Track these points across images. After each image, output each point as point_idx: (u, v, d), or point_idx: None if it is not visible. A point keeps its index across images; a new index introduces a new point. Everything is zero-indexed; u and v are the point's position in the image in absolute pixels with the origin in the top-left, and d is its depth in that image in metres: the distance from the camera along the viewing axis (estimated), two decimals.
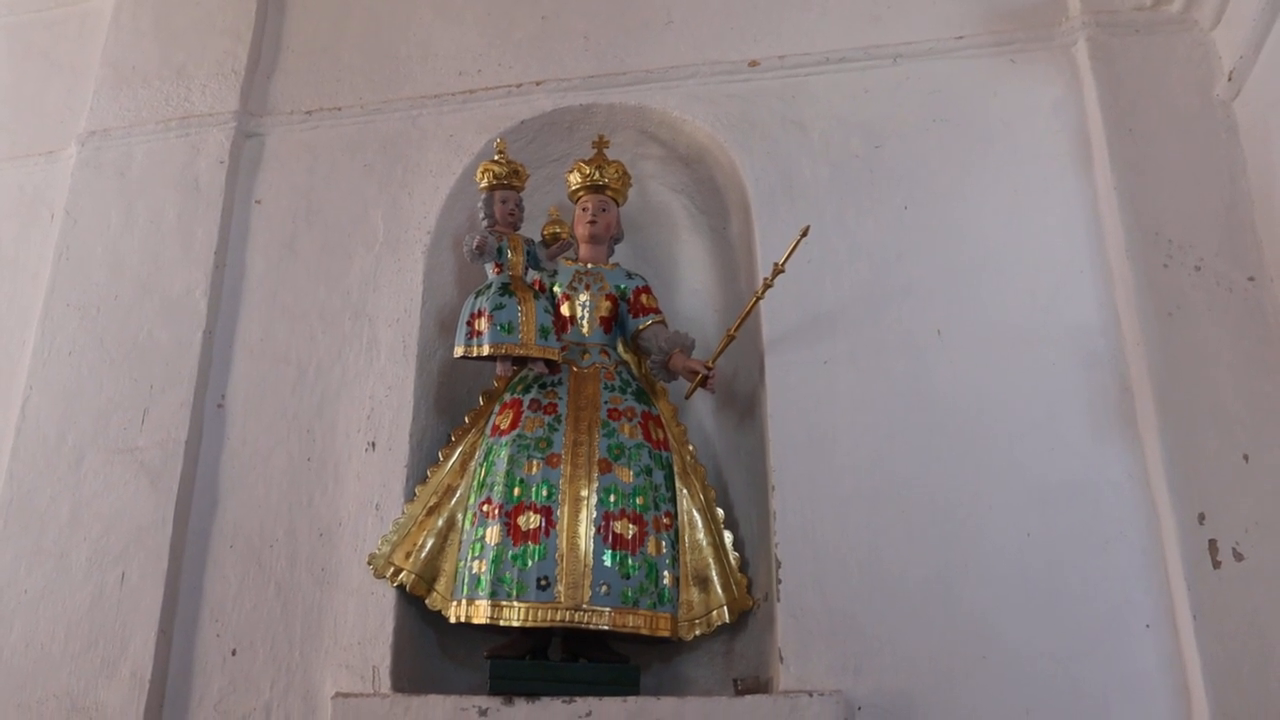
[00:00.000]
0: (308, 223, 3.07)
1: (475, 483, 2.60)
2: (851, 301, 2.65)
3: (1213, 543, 2.21)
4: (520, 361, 2.70)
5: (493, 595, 2.41)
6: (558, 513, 2.46)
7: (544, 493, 2.48)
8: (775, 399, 2.59)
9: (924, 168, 2.75)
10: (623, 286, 2.83)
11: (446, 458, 2.72)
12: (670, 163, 3.12)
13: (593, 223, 2.83)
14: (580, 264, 2.87)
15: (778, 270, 2.57)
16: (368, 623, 2.56)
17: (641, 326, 2.78)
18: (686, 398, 2.74)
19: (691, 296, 3.06)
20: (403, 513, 2.65)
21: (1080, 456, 2.40)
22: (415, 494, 2.67)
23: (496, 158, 2.83)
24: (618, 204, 2.92)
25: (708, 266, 3.09)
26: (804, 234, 2.54)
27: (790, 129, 2.86)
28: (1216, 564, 2.20)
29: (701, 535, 2.64)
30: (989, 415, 2.49)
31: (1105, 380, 2.46)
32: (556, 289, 2.82)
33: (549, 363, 2.68)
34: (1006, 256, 2.62)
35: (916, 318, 2.61)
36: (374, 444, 2.74)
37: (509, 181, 2.81)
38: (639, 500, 2.51)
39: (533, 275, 2.87)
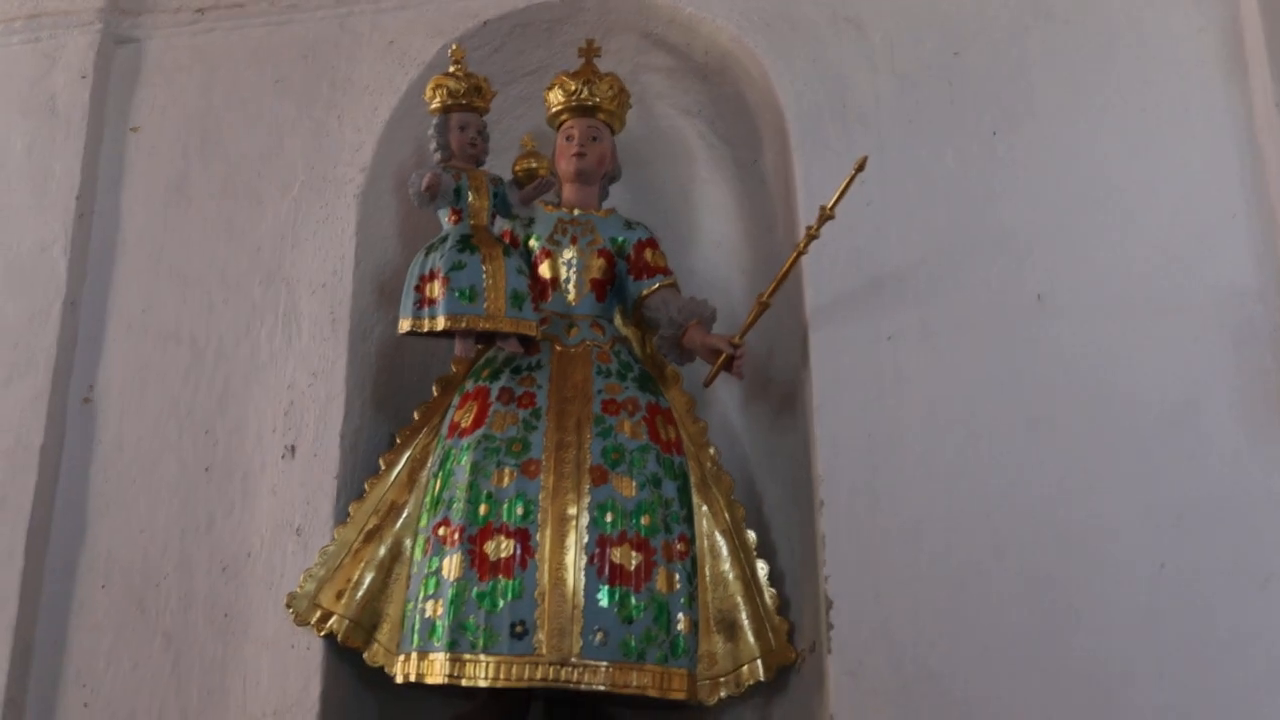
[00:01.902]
0: (202, 158, 3.02)
1: (428, 499, 2.60)
2: (924, 258, 2.64)
3: None
4: (487, 339, 2.70)
5: (452, 647, 2.38)
6: (537, 537, 2.45)
7: (519, 511, 2.48)
8: (823, 387, 2.59)
9: (1021, 80, 2.74)
10: (620, 239, 2.83)
11: (390, 466, 2.72)
12: (683, 76, 3.10)
13: (580, 155, 2.84)
14: (564, 210, 2.87)
15: (825, 217, 2.56)
16: (287, 685, 2.53)
17: (646, 292, 2.79)
18: (706, 385, 2.74)
19: (712, 252, 3.05)
20: (332, 539, 2.65)
21: (1230, 463, 2.38)
22: (349, 514, 2.68)
23: (452, 70, 2.83)
24: (613, 131, 2.92)
25: (732, 212, 3.08)
26: (859, 168, 2.52)
27: (843, 30, 2.85)
28: None
29: (727, 566, 2.63)
30: (1109, 408, 2.47)
31: (1264, 361, 2.43)
32: (534, 243, 2.83)
33: (524, 340, 2.68)
34: (1132, 198, 2.61)
35: (1011, 279, 2.60)
36: (293, 448, 2.73)
37: (469, 101, 2.80)
38: (644, 520, 2.50)
39: (502, 224, 2.87)
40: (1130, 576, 2.34)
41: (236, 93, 3.07)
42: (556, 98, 2.88)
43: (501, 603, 2.38)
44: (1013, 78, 2.73)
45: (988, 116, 2.72)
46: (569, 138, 2.86)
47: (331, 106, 3.01)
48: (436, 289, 2.62)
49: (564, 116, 2.88)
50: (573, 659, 2.35)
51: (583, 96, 2.84)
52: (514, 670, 2.34)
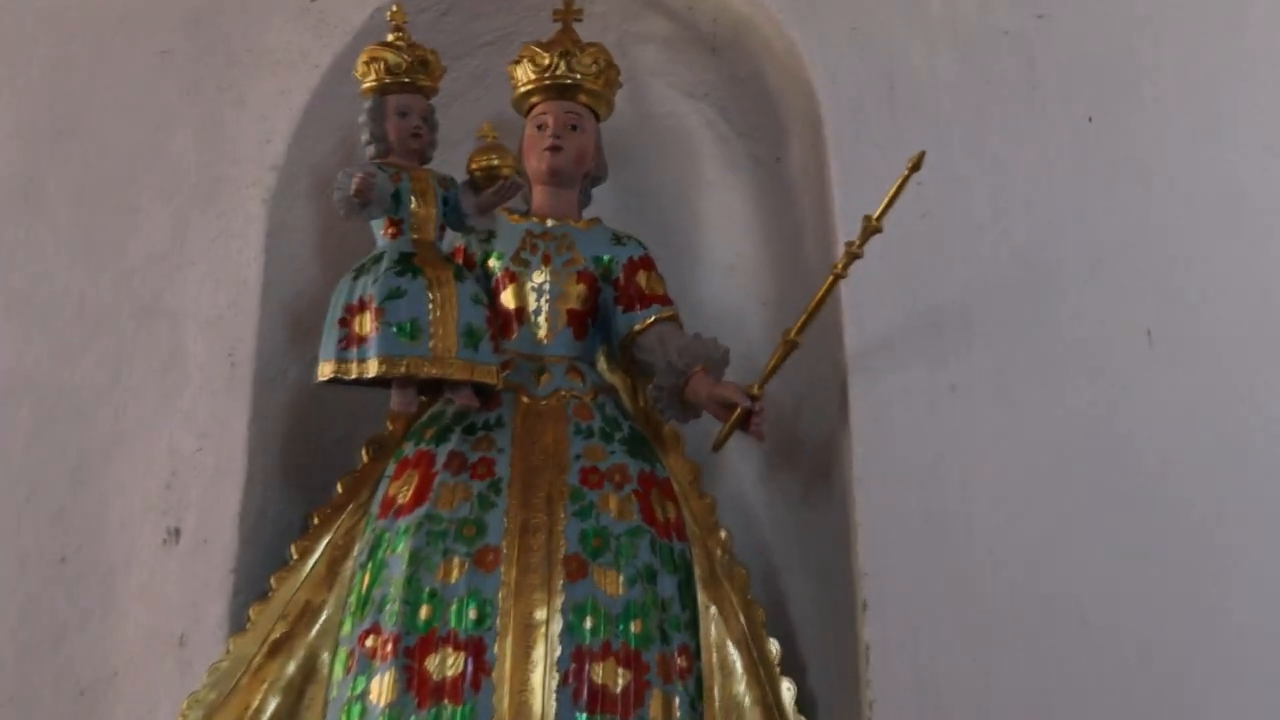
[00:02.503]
0: (55, 154, 3.00)
1: (353, 598, 2.58)
2: (997, 285, 2.66)
3: None
4: (432, 388, 2.70)
5: None
6: (494, 650, 2.43)
7: (471, 615, 2.45)
8: (867, 452, 2.59)
9: (1124, 52, 2.78)
10: (606, 259, 2.84)
11: (303, 556, 2.70)
12: (686, 48, 3.10)
13: (555, 148, 2.85)
14: (535, 220, 2.88)
15: (870, 230, 2.56)
16: None
17: (639, 327, 2.79)
18: (716, 449, 2.73)
19: (723, 276, 3.06)
20: (226, 652, 2.61)
21: None
22: (249, 619, 2.65)
23: (391, 38, 2.82)
24: (597, 118, 2.93)
25: (749, 225, 3.08)
26: (914, 167, 2.53)
27: None
28: None
29: (742, 688, 2.60)
30: (1241, 480, 2.48)
31: None
32: (494, 263, 2.84)
33: (480, 390, 2.67)
34: (1268, 207, 2.64)
35: (1113, 312, 2.62)
36: (176, 533, 2.71)
37: (411, 80, 2.80)
38: (634, 627, 2.48)
39: (453, 239, 2.86)
40: (1265, 678, 2.38)
41: (106, 67, 3.05)
42: (525, 74, 2.88)
43: None
44: (1114, 48, 2.76)
45: (1081, 99, 2.74)
46: (541, 126, 2.86)
47: (230, 86, 3.00)
48: (367, 323, 2.59)
49: (535, 99, 2.89)
50: None
51: (559, 73, 2.85)
52: None
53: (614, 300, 2.82)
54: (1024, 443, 2.56)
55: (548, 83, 2.87)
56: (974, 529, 2.51)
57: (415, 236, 2.72)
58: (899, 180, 2.53)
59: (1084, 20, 2.81)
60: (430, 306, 2.61)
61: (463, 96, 3.07)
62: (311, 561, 2.67)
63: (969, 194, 2.72)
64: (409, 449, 2.67)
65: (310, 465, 2.88)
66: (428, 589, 2.46)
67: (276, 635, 2.59)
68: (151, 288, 2.89)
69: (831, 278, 2.59)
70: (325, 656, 2.58)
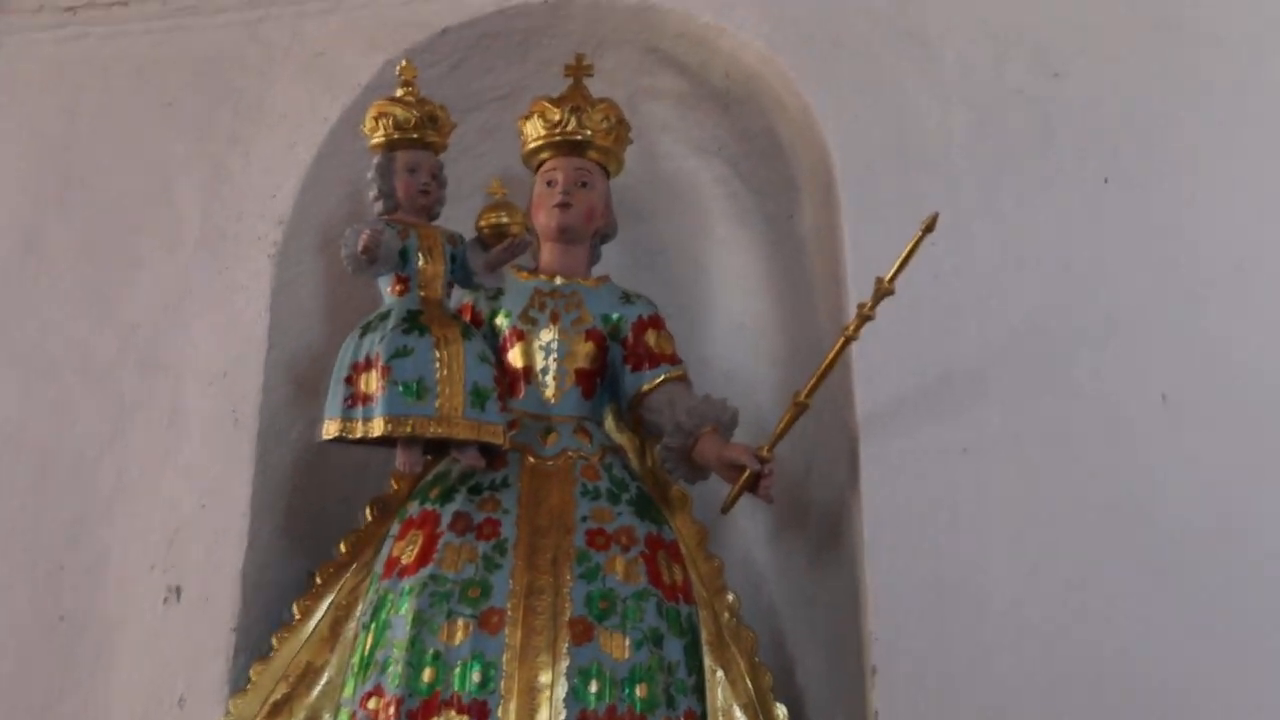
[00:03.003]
0: (62, 205, 3.16)
1: (356, 659, 2.65)
2: (1011, 346, 2.77)
3: None
4: (438, 448, 2.80)
5: None
6: (498, 713, 2.50)
7: (475, 678, 2.53)
8: (878, 515, 2.69)
9: (1142, 111, 2.87)
10: (615, 317, 2.99)
11: (306, 616, 2.79)
12: (697, 105, 3.24)
13: (564, 205, 2.97)
14: (543, 277, 3.01)
15: (882, 292, 2.67)
16: None
17: (647, 387, 2.93)
18: (725, 511, 2.85)
19: (732, 335, 3.20)
20: (226, 713, 2.70)
21: None
22: (250, 680, 2.72)
23: (400, 94, 2.93)
24: (607, 174, 3.07)
25: (760, 284, 3.23)
26: (927, 228, 2.63)
27: (904, 47, 3.00)
28: None
29: None
30: (1263, 544, 2.57)
31: None
32: (502, 321, 2.96)
33: (486, 450, 2.77)
34: None
35: (1127, 374, 2.71)
36: (178, 591, 2.82)
37: (420, 135, 2.91)
38: (640, 691, 2.56)
39: (461, 297, 2.99)
40: None
41: (109, 117, 3.21)
42: (535, 130, 3.01)
43: None
44: (1131, 108, 2.86)
45: (1097, 160, 2.84)
46: (550, 183, 2.98)
47: (236, 140, 3.15)
48: (374, 382, 2.66)
49: (544, 155, 3.01)
50: None
51: (569, 129, 2.98)
52: None
53: (622, 359, 2.94)
54: (1039, 507, 2.64)
55: (558, 138, 2.98)
56: (988, 595, 2.59)
57: (422, 294, 2.80)
58: (912, 241, 2.62)
59: (1100, 80, 2.89)
60: (437, 365, 2.68)
61: (471, 151, 3.20)
62: (314, 621, 2.77)
63: (983, 255, 2.81)
64: (413, 509, 2.77)
65: (313, 524, 2.96)
66: (431, 651, 2.53)
67: (277, 696, 2.69)
68: (154, 342, 3.02)
69: (842, 339, 2.68)
70: (327, 718, 2.67)
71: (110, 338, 3.04)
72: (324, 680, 2.73)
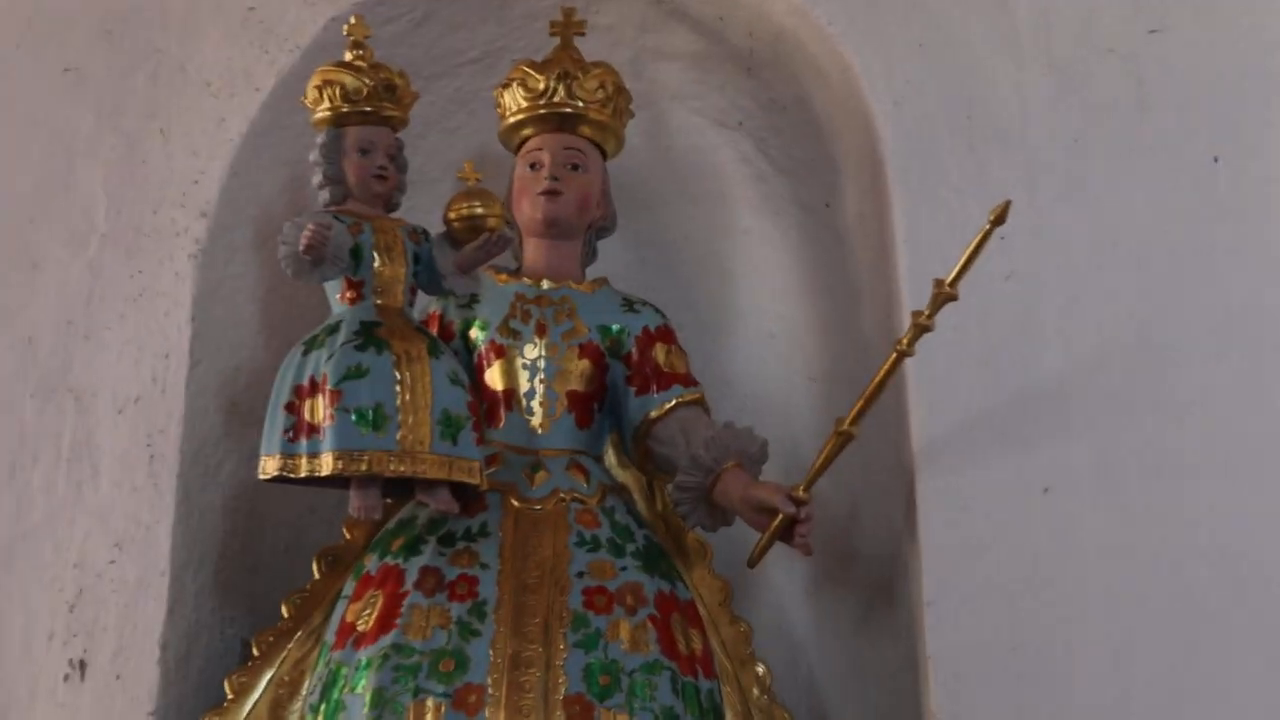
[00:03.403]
0: None
1: None
2: (1101, 362, 2.70)
3: None
4: (400, 489, 2.73)
5: None
6: None
7: None
8: (939, 567, 2.63)
9: (1256, 78, 2.81)
10: (616, 328, 2.92)
11: (241, 695, 2.73)
12: (716, 68, 3.19)
13: (553, 192, 2.91)
14: (527, 280, 2.95)
15: (943, 297, 2.60)
16: None
17: (656, 412, 2.86)
18: (753, 565, 2.77)
19: (760, 348, 3.15)
20: None
21: None
22: None
23: (350, 57, 2.87)
24: (604, 154, 3.01)
25: (793, 286, 3.17)
26: (997, 219, 2.56)
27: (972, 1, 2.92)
28: None
29: None
30: None
31: None
32: (477, 333, 2.91)
33: (459, 491, 2.71)
34: None
35: (1241, 396, 2.65)
36: (82, 666, 2.74)
37: (375, 108, 2.85)
38: None
39: (428, 305, 2.93)
40: None
41: None
42: (515, 101, 2.95)
43: None
44: (1244, 72, 2.80)
45: (1204, 134, 2.78)
46: (535, 165, 2.92)
47: (152, 113, 3.07)
48: (320, 409, 2.61)
49: (527, 131, 2.95)
50: None
51: (557, 99, 2.91)
52: None
53: (625, 380, 2.87)
54: (1135, 557, 2.58)
55: (543, 111, 2.93)
56: (1072, 664, 2.53)
57: (380, 302, 2.75)
58: (979, 235, 2.55)
59: (1208, 37, 2.84)
60: (398, 388, 2.62)
61: (439, 126, 3.14)
62: (251, 702, 2.69)
63: (1066, 251, 2.75)
64: (372, 563, 2.70)
65: (249, 582, 2.91)
66: None
67: None
68: (55, 360, 2.95)
69: (895, 355, 2.61)
70: None
71: (2, 355, 2.99)
72: None
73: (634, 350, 2.89)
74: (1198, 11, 2.88)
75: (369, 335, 2.68)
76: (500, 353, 2.86)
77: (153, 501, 2.82)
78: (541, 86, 2.92)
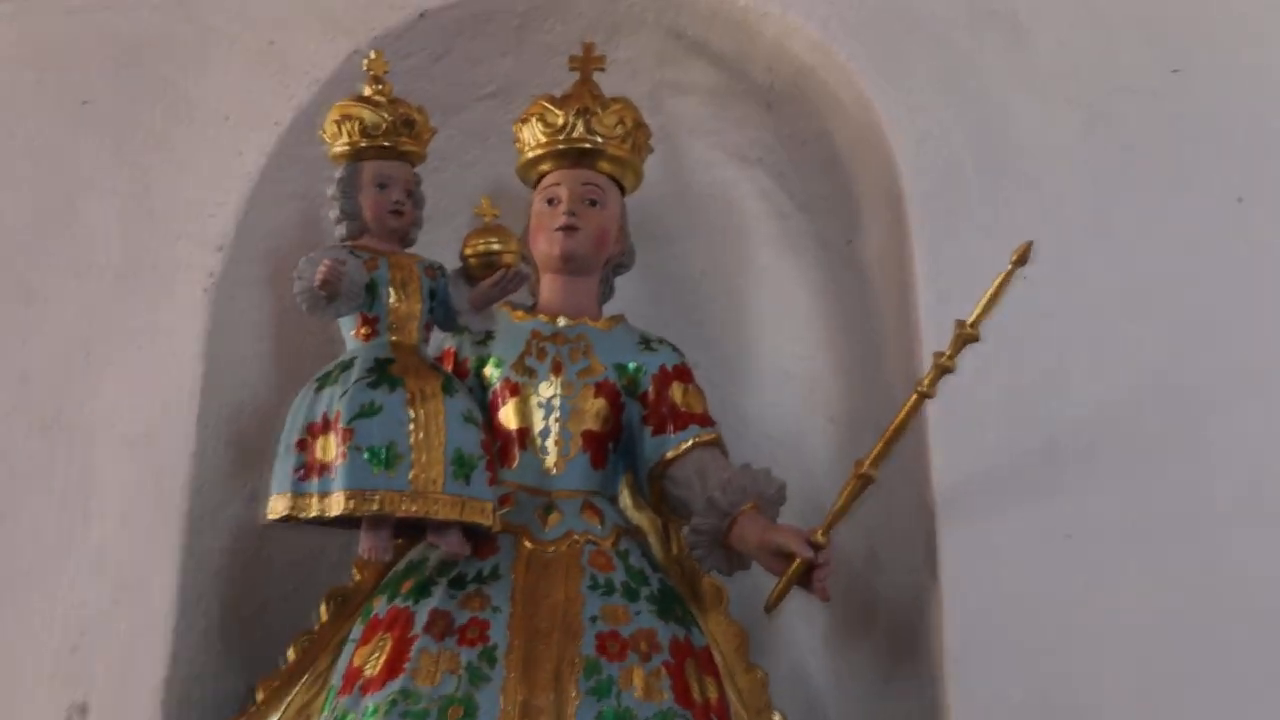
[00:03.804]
0: None
1: None
2: (1128, 406, 2.68)
3: None
4: (411, 530, 2.73)
5: None
6: None
7: None
8: (962, 616, 2.61)
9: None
10: (633, 367, 2.90)
11: None
12: (735, 103, 3.18)
13: (570, 228, 2.91)
14: (543, 317, 2.94)
15: (964, 338, 2.59)
16: None
17: (672, 453, 2.84)
18: (769, 610, 2.75)
19: (778, 387, 3.14)
20: None
21: None
22: None
23: (369, 92, 2.89)
24: (623, 190, 3.01)
25: (813, 325, 3.16)
26: (1019, 260, 2.55)
27: (989, 33, 2.94)
28: None
29: None
30: None
31: None
32: (492, 371, 2.90)
33: (471, 532, 2.70)
34: None
35: (1274, 440, 2.62)
36: (83, 709, 2.71)
37: (393, 143, 2.86)
38: None
39: (442, 342, 2.94)
40: None
41: (6, 118, 3.13)
42: (533, 136, 2.94)
43: None
44: (1270, 110, 2.79)
45: (1229, 172, 2.77)
46: (552, 201, 2.92)
47: (166, 145, 3.07)
48: (332, 448, 2.60)
49: (545, 166, 2.95)
50: None
51: (575, 135, 2.90)
52: None
53: (641, 419, 2.86)
54: (1164, 608, 2.55)
55: (561, 147, 2.93)
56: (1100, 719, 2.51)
57: (394, 338, 2.75)
58: (1001, 276, 2.54)
59: (1231, 77, 2.84)
60: (411, 427, 2.61)
61: (456, 161, 3.12)
62: None
63: (1090, 292, 2.74)
64: (380, 606, 2.67)
65: (255, 626, 2.90)
66: None
67: None
68: (58, 396, 2.94)
69: (916, 396, 2.60)
70: None
71: (3, 389, 2.97)
72: None
73: (650, 389, 2.87)
74: (1217, 51, 2.90)
75: (382, 372, 2.67)
76: (515, 391, 2.85)
77: (157, 543, 2.81)
78: (560, 122, 2.92)
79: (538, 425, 2.83)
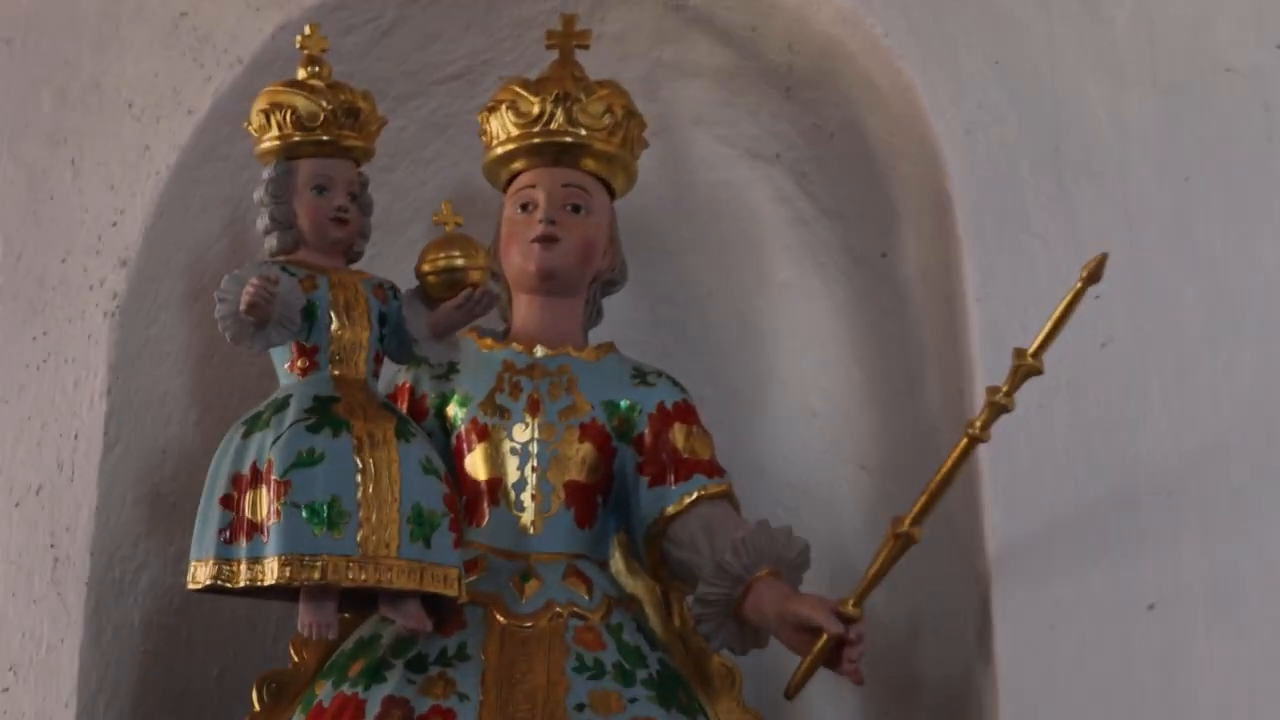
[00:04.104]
0: None
1: None
2: (1219, 451, 2.72)
3: None
4: (360, 601, 2.77)
5: None
6: None
7: None
8: (1019, 700, 2.67)
9: None
10: (625, 405, 2.98)
11: None
12: (748, 87, 3.26)
13: (548, 239, 2.96)
14: (517, 347, 3.01)
15: (1025, 370, 2.63)
16: None
17: (674, 508, 2.90)
18: (791, 695, 2.79)
19: (801, 429, 3.21)
20: None
21: None
22: None
23: (303, 74, 2.93)
24: (612, 193, 3.07)
25: (842, 351, 3.22)
26: (1091, 277, 2.57)
27: (1057, 4, 2.97)
28: None
29: None
30: None
31: None
32: (456, 410, 2.97)
33: (433, 605, 2.74)
34: None
35: None
36: None
37: (333, 136, 2.91)
38: None
39: (396, 376, 3.00)
40: None
41: None
42: (504, 127, 3.01)
43: None
44: None
45: None
46: (527, 206, 2.98)
47: (61, 138, 3.14)
48: (264, 504, 2.63)
49: (518, 164, 3.02)
50: None
51: (554, 126, 2.97)
52: None
53: (636, 468, 2.92)
54: (1257, 687, 2.59)
55: (538, 141, 2.98)
56: None
57: (337, 372, 2.79)
58: (1068, 295, 2.56)
59: None
60: (359, 479, 2.65)
61: (410, 157, 3.18)
62: None
63: (1176, 313, 2.78)
64: (325, 693, 2.72)
65: (175, 714, 2.92)
66: None
67: None
68: None
69: (966, 440, 2.63)
70: None
71: None
72: None
73: (647, 431, 2.93)
74: None
75: (324, 413, 2.70)
76: (484, 434, 2.90)
77: (56, 615, 2.85)
78: (536, 110, 2.97)
79: (512, 476, 2.88)
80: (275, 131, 2.88)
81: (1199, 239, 2.83)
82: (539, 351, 2.97)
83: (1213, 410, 2.74)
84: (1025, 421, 2.68)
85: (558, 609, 2.79)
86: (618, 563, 3.01)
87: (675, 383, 3.00)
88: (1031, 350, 2.59)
